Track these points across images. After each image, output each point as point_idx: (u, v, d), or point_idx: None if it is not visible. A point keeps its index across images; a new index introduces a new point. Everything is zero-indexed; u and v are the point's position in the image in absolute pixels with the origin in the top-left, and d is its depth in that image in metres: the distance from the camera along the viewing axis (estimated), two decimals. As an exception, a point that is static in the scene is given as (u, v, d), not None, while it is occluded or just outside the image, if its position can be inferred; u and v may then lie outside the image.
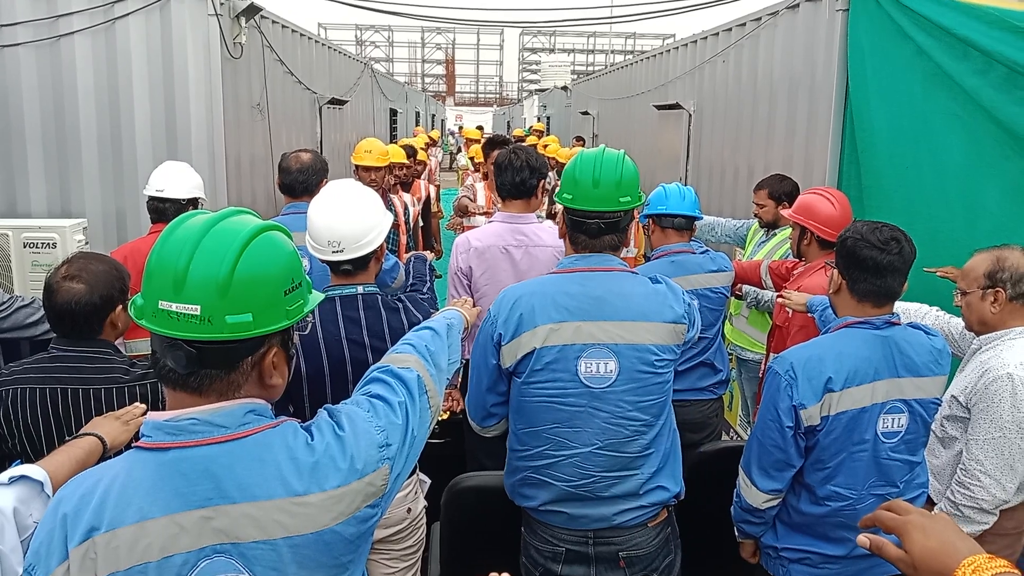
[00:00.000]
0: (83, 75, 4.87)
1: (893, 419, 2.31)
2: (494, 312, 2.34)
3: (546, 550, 2.34)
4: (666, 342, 2.30)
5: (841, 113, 4.55)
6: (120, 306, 2.27)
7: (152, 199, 3.71)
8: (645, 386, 2.28)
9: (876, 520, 1.29)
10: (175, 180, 3.73)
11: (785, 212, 3.73)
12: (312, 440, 1.36)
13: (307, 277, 1.46)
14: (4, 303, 2.97)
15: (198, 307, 1.26)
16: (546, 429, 2.29)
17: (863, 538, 1.27)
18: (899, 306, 3.10)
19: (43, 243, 4.33)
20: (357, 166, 5.36)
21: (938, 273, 3.24)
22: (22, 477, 1.55)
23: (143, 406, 2.05)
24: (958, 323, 2.94)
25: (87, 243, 4.53)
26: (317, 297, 1.49)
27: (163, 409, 1.34)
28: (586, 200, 2.34)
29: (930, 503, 2.73)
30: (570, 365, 2.25)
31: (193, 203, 3.73)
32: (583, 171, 2.38)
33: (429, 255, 3.32)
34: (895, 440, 2.32)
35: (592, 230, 2.34)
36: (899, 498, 2.33)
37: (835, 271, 2.42)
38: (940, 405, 2.43)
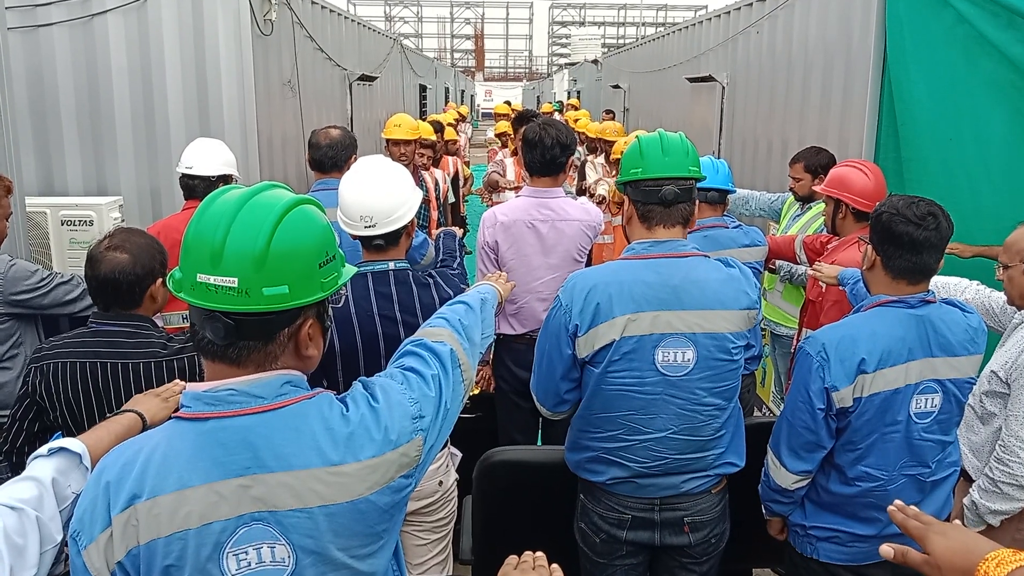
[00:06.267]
0: (116, 54, 4.92)
1: (927, 399, 2.26)
2: (565, 301, 2.30)
3: (611, 517, 2.36)
4: (741, 329, 2.29)
5: (878, 84, 4.45)
6: (160, 280, 2.31)
7: (183, 176, 3.75)
8: (720, 373, 2.28)
9: (901, 527, 1.34)
10: (205, 157, 3.77)
11: (818, 187, 3.67)
12: (347, 411, 1.38)
13: (340, 250, 1.47)
14: (44, 279, 3.03)
15: (235, 279, 1.27)
16: (621, 416, 2.28)
17: (887, 548, 1.31)
18: (938, 281, 3.04)
19: (80, 220, 4.41)
20: (388, 140, 5.37)
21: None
22: (61, 449, 1.58)
23: (182, 383, 2.08)
24: (999, 297, 2.88)
25: (123, 220, 4.60)
26: (351, 270, 1.50)
27: (201, 382, 1.36)
28: (659, 167, 2.31)
29: (967, 480, 2.69)
30: (647, 355, 2.23)
31: (224, 180, 3.75)
32: (648, 144, 2.36)
33: (458, 231, 3.32)
34: (928, 420, 2.27)
35: (668, 196, 2.29)
36: (931, 478, 2.31)
37: (869, 247, 2.35)
38: (974, 384, 2.37)
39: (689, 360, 2.24)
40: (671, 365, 2.24)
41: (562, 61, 46.85)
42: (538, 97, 32.31)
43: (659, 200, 2.30)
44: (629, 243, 2.40)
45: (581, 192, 7.16)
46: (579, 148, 7.77)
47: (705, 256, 2.34)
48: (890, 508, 1.40)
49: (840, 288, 3.19)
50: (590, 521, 2.41)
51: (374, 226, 2.40)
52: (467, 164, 10.01)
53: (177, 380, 2.12)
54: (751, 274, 2.40)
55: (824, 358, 2.24)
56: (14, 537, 1.38)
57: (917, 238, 2.21)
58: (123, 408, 1.88)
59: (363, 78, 7.94)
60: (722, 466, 2.37)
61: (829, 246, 3.65)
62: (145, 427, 1.84)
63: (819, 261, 3.50)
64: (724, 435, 2.34)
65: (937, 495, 2.35)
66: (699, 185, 3.52)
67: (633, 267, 2.29)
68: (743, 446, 2.42)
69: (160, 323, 2.42)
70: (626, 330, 2.22)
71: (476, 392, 3.75)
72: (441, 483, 2.62)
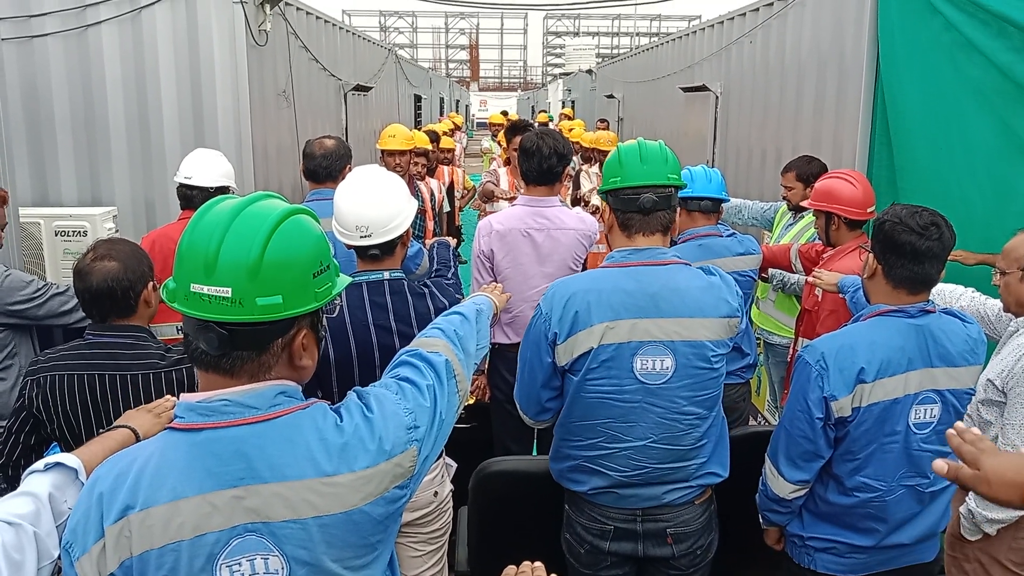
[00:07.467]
0: (111, 64, 4.92)
1: (926, 410, 2.25)
2: (545, 309, 2.30)
3: (594, 528, 2.35)
4: (721, 337, 2.29)
5: (871, 93, 4.47)
6: (150, 283, 2.31)
7: (181, 186, 3.75)
8: (700, 381, 2.27)
9: (956, 451, 1.38)
10: (203, 168, 3.76)
11: (805, 203, 3.68)
12: (341, 422, 1.38)
13: (335, 260, 1.47)
14: (39, 290, 3.02)
15: (229, 289, 1.27)
16: (601, 423, 2.28)
17: (941, 463, 1.34)
18: (933, 288, 3.04)
19: (74, 231, 4.40)
20: (382, 151, 5.38)
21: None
22: (57, 464, 1.58)
23: (173, 398, 2.08)
24: (994, 304, 2.88)
25: (117, 231, 4.59)
26: (345, 280, 1.50)
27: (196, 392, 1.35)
28: (636, 176, 2.31)
29: (963, 488, 2.69)
30: (626, 363, 2.22)
31: (222, 191, 3.75)
32: (627, 153, 2.37)
33: (452, 241, 3.32)
34: (927, 431, 2.26)
35: (646, 204, 2.28)
36: (929, 488, 2.30)
37: (870, 255, 2.35)
38: (974, 395, 2.37)
39: (668, 368, 2.23)
40: (650, 373, 2.23)
41: (556, 71, 47.01)
42: (532, 107, 32.42)
43: (638, 208, 2.30)
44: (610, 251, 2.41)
45: (576, 201, 7.17)
46: (574, 158, 7.78)
47: (686, 264, 2.34)
48: (949, 432, 1.42)
49: (840, 296, 3.19)
50: (574, 532, 2.41)
51: (370, 236, 2.40)
52: (464, 172, 10.02)
53: (168, 396, 2.11)
54: (732, 282, 2.39)
55: (823, 367, 2.23)
56: (12, 553, 1.37)
57: (919, 248, 2.21)
58: (116, 424, 1.88)
59: (358, 88, 7.95)
60: (704, 476, 2.34)
61: (824, 255, 3.66)
62: (138, 442, 1.84)
63: (818, 268, 3.51)
64: (706, 444, 2.33)
65: (936, 506, 2.35)
66: (693, 194, 3.60)
67: (612, 275, 2.29)
68: (727, 456, 2.40)
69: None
70: (604, 338, 2.22)
71: (471, 402, 3.74)
72: (436, 494, 2.61)
